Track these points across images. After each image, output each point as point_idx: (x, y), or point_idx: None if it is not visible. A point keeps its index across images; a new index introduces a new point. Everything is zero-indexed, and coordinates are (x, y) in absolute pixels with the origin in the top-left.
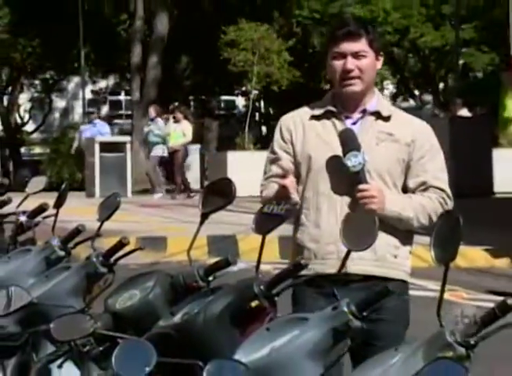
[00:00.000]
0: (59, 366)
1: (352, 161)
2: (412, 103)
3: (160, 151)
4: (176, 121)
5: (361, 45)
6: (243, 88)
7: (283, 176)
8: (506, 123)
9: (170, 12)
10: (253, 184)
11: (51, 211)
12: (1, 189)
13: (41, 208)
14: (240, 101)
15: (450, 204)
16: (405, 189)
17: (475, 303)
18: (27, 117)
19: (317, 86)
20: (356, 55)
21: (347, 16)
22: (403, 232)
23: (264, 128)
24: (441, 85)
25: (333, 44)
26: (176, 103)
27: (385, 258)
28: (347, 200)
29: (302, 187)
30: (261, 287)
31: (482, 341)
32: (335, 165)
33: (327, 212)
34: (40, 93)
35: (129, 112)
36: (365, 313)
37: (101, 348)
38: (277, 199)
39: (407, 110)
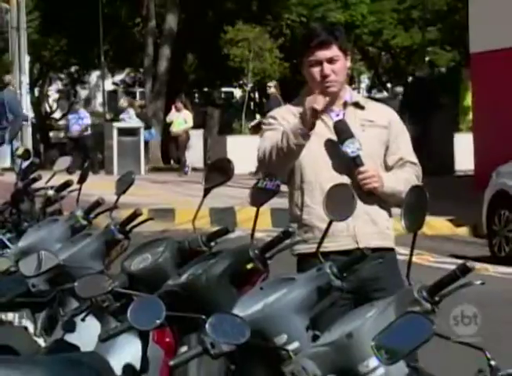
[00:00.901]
0: (83, 320)
1: (350, 148)
2: (385, 94)
3: None
4: (177, 109)
5: (333, 51)
6: (240, 82)
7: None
8: (465, 111)
9: (178, 16)
10: (249, 163)
11: (75, 186)
12: (32, 168)
13: (67, 184)
14: (238, 92)
15: (421, 176)
16: (385, 167)
17: (439, 266)
18: (55, 106)
19: (303, 79)
20: (330, 60)
21: (316, 26)
22: (388, 206)
23: (258, 116)
24: (410, 79)
25: (309, 53)
26: (183, 94)
27: (384, 230)
28: (348, 181)
29: (300, 173)
30: (256, 252)
31: (445, 297)
32: (333, 153)
33: None
34: (66, 85)
35: (143, 102)
36: (344, 274)
37: (118, 304)
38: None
39: (381, 100)
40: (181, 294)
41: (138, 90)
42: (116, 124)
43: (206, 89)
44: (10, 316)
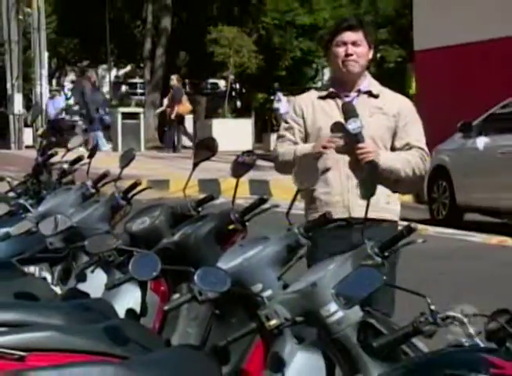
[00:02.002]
0: (92, 272)
1: (353, 125)
2: None
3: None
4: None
5: (358, 35)
6: (224, 74)
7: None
8: (410, 98)
9: (171, 19)
10: (231, 142)
11: (85, 160)
12: (50, 145)
13: (79, 159)
14: (222, 83)
15: (428, 160)
16: (393, 150)
17: None
18: (69, 94)
19: (275, 72)
20: (355, 43)
21: (348, 16)
22: (393, 183)
23: (238, 103)
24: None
25: (337, 34)
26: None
27: (379, 204)
28: (348, 160)
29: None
30: (236, 215)
31: (393, 253)
32: (338, 130)
33: (333, 171)
34: (78, 77)
35: (142, 91)
36: (310, 234)
37: (121, 259)
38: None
39: None
40: (173, 250)
41: (138, 81)
42: (120, 110)
43: (195, 81)
44: (32, 268)
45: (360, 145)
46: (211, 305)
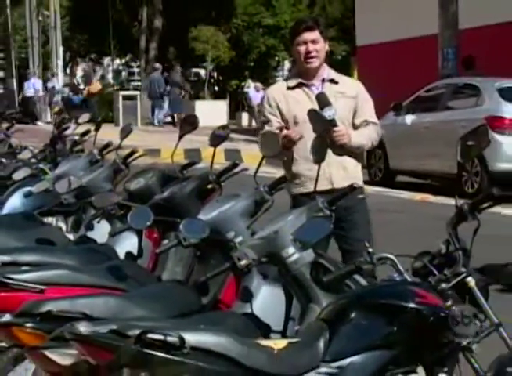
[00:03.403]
0: (98, 222)
1: (328, 113)
2: None
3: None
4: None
5: (315, 34)
6: (204, 65)
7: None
8: None
9: (162, 20)
10: (209, 119)
11: (92, 133)
12: (64, 121)
13: (87, 131)
14: (202, 72)
15: (380, 133)
16: (354, 126)
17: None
18: (80, 80)
19: (245, 63)
20: (313, 41)
21: (304, 17)
22: (358, 154)
23: (216, 88)
24: None
25: (297, 35)
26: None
27: (353, 173)
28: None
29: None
30: (214, 177)
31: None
32: (315, 116)
33: None
34: (88, 66)
35: (139, 77)
36: (273, 191)
37: (122, 212)
38: (284, 145)
39: None
40: (163, 205)
41: (136, 70)
42: (121, 93)
43: (181, 70)
44: (50, 219)
45: (335, 129)
46: (194, 248)
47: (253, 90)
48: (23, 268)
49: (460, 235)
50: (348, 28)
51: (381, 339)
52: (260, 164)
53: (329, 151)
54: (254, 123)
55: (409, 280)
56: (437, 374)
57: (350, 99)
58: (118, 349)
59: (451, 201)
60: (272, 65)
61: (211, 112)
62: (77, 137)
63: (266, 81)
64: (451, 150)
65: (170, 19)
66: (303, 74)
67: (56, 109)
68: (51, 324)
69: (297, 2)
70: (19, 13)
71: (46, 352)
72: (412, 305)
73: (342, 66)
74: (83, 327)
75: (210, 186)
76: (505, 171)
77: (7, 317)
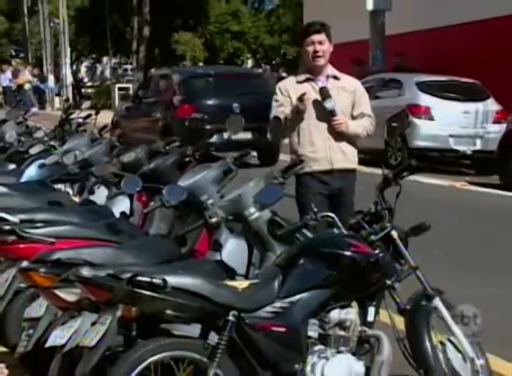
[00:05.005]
0: (98, 188)
1: (328, 104)
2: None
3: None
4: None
5: (322, 36)
6: (184, 63)
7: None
8: None
9: (149, 27)
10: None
11: (93, 117)
12: (70, 107)
13: (89, 115)
14: None
15: (374, 124)
16: (352, 117)
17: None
18: (85, 76)
19: (216, 62)
20: (320, 42)
21: (313, 21)
22: (355, 142)
23: None
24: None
25: (307, 36)
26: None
27: (350, 158)
28: (327, 126)
29: (296, 122)
30: (191, 151)
31: (290, 175)
32: (318, 106)
33: (317, 134)
34: (90, 64)
35: (131, 72)
36: (237, 163)
37: (117, 179)
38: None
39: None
40: (150, 174)
41: (129, 66)
42: (117, 85)
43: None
44: (59, 186)
45: (335, 118)
46: (174, 209)
47: None
48: (38, 224)
49: (386, 197)
50: (298, 34)
51: (323, 280)
52: (241, 157)
53: (331, 137)
54: None
55: (345, 233)
56: (367, 307)
57: (349, 93)
58: (113, 289)
59: (378, 171)
60: (237, 63)
61: None
62: (80, 120)
63: (283, 80)
64: (379, 131)
65: (156, 26)
66: (310, 71)
67: (64, 97)
68: (60, 269)
69: (258, 13)
70: (34, 21)
71: (56, 291)
72: (347, 253)
73: (293, 65)
74: (85, 271)
75: (187, 159)
76: (421, 148)
77: (25, 264)
